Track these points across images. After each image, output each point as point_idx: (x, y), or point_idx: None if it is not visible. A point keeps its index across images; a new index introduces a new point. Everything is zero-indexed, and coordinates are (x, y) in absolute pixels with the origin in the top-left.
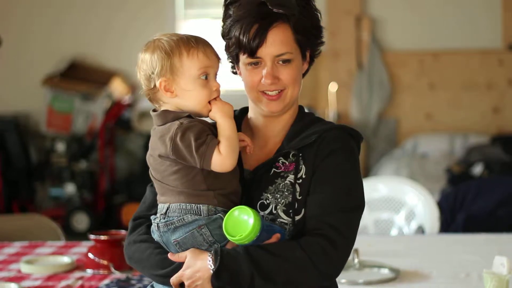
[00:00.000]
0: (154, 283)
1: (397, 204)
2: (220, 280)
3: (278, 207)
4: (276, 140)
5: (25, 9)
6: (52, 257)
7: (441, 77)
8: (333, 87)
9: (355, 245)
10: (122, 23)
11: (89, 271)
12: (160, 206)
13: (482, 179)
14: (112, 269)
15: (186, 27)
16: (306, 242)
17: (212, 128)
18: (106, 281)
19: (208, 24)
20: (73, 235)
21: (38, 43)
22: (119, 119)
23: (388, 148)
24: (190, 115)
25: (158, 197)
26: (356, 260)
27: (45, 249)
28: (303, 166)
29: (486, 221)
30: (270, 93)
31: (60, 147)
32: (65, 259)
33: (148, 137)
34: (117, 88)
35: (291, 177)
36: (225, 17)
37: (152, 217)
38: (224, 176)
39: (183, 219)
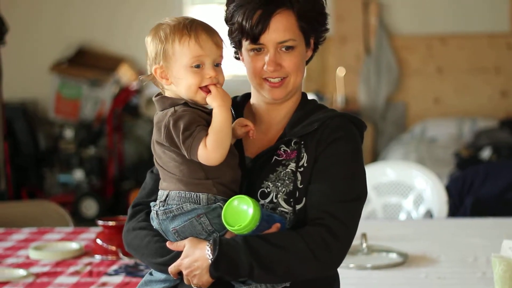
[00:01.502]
0: (153, 271)
1: (406, 189)
2: (218, 269)
3: (279, 195)
4: (278, 127)
5: None
6: (60, 243)
7: (449, 61)
8: (341, 71)
9: (364, 229)
10: (130, 9)
11: (98, 257)
12: (160, 193)
13: (490, 163)
14: (121, 255)
15: (193, 12)
16: (306, 232)
17: (208, 117)
18: (115, 267)
19: (215, 9)
20: (82, 221)
21: (45, 30)
22: (127, 105)
23: (396, 132)
24: (186, 103)
25: (160, 183)
26: (364, 245)
27: (54, 235)
28: (304, 154)
29: (494, 205)
30: (272, 80)
31: (69, 133)
32: (74, 245)
33: None
34: (125, 74)
35: (292, 165)
36: (228, 2)
37: (151, 204)
38: (222, 165)
39: (182, 207)
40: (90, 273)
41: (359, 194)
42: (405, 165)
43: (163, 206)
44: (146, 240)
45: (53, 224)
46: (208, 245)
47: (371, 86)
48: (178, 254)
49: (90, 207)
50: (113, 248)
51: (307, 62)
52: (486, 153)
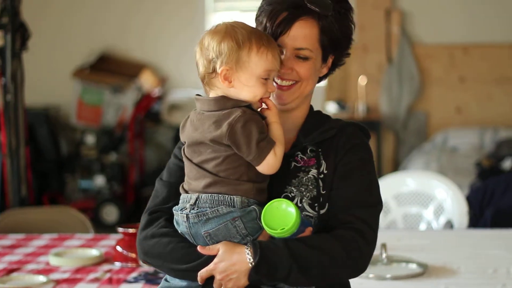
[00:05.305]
0: (168, 277)
1: (426, 199)
2: (259, 273)
3: (303, 200)
4: (290, 135)
5: (55, 2)
6: (80, 249)
7: (471, 70)
8: (362, 80)
9: (384, 239)
10: (153, 16)
11: (117, 264)
12: (185, 196)
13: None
14: (140, 262)
15: (215, 19)
16: (340, 235)
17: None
18: (134, 274)
19: (237, 17)
20: (103, 228)
21: (68, 36)
22: (148, 112)
23: (418, 141)
24: (250, 106)
25: (187, 183)
26: (384, 255)
27: (74, 241)
28: (323, 161)
29: None
30: (280, 82)
31: (90, 139)
32: (94, 252)
33: (177, 129)
34: (147, 80)
35: (313, 172)
36: (262, 0)
37: (175, 208)
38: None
39: (217, 210)
40: (110, 280)
41: (379, 199)
42: (426, 175)
43: (194, 209)
44: (170, 246)
45: (73, 230)
46: (247, 249)
47: (393, 95)
48: (206, 260)
49: (110, 213)
50: (133, 255)
51: (320, 79)
52: (507, 163)
